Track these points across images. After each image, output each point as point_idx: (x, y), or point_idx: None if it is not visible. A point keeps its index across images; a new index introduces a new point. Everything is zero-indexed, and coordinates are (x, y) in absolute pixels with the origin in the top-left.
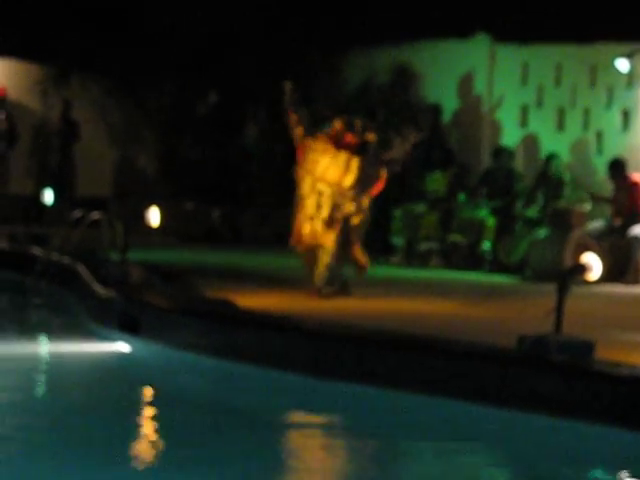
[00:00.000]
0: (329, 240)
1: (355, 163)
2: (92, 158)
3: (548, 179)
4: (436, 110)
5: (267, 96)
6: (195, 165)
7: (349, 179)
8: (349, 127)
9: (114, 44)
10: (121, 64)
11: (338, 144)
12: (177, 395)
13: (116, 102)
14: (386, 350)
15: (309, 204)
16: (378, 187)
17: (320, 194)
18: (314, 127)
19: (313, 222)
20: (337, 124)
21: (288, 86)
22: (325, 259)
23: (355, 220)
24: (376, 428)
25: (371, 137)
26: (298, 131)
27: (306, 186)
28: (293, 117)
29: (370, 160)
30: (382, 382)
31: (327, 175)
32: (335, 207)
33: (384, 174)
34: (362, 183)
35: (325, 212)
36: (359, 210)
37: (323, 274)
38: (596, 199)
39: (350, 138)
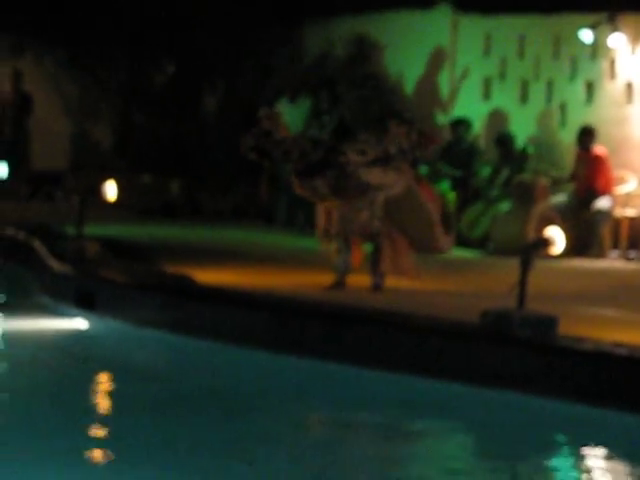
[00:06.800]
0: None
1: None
2: (47, 131)
3: (511, 152)
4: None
5: (225, 67)
6: (152, 138)
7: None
8: None
9: (68, 15)
10: (75, 36)
11: None
12: (133, 371)
13: (71, 74)
14: (348, 325)
15: None
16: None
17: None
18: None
19: None
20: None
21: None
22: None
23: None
24: (337, 404)
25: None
26: None
27: None
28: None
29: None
30: (343, 357)
31: None
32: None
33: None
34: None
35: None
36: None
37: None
38: (558, 181)
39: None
